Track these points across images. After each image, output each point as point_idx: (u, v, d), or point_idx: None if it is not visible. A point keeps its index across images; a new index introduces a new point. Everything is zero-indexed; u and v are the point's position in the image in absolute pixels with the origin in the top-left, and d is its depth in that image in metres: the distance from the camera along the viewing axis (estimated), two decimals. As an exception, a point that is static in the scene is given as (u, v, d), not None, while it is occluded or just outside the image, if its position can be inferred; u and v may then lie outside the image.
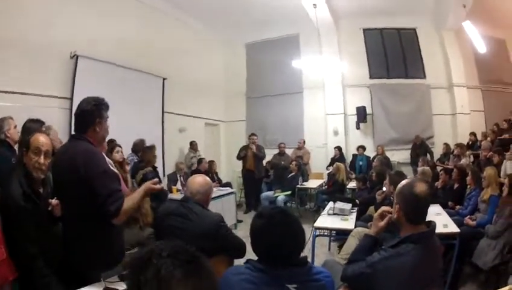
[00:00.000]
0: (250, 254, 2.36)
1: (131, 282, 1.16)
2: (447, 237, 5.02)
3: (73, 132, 3.23)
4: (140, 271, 1.14)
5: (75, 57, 8.42)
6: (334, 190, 10.37)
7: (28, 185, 2.95)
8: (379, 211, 3.02)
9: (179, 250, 1.20)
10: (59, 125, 6.00)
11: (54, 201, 3.10)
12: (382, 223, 2.92)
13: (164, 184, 8.83)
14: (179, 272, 1.12)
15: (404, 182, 2.81)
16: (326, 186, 11.55)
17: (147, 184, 3.03)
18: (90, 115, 2.97)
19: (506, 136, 10.73)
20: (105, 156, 3.12)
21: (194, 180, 3.71)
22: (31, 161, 2.98)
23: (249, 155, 11.46)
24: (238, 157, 11.66)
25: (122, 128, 7.54)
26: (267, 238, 2.16)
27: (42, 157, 3.01)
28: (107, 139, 3.47)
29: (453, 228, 5.22)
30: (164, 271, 1.11)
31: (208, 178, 3.86)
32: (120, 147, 6.33)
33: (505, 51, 14.24)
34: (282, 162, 12.09)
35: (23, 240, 2.81)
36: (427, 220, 2.74)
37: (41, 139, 3.06)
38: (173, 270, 1.12)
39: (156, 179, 3.13)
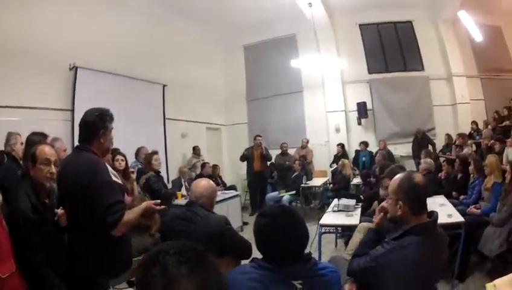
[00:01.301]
0: (257, 254, 2.37)
1: (141, 280, 1.18)
2: (452, 226, 5.03)
3: (76, 143, 3.25)
4: (149, 269, 1.16)
5: (74, 69, 8.54)
6: (340, 187, 10.54)
7: (36, 197, 2.98)
8: (380, 205, 3.05)
9: (185, 248, 1.23)
10: (61, 137, 5.83)
11: (60, 211, 3.10)
12: (376, 220, 3.02)
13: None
14: (184, 269, 1.14)
15: (398, 176, 2.81)
16: (331, 184, 11.60)
17: (148, 203, 3.05)
18: (94, 126, 3.03)
19: (507, 123, 10.88)
20: (109, 167, 3.15)
21: (198, 184, 3.74)
22: (42, 173, 3.02)
23: (256, 157, 11.48)
24: (242, 159, 11.70)
25: (125, 137, 7.53)
26: (271, 236, 2.18)
27: (53, 166, 3.06)
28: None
29: (457, 218, 5.25)
30: (170, 267, 1.14)
31: (211, 181, 3.89)
32: (122, 155, 6.31)
33: (501, 38, 14.27)
34: (287, 162, 12.16)
35: (32, 251, 2.82)
36: (429, 210, 2.75)
37: (47, 150, 3.10)
38: (179, 266, 1.14)
39: (158, 201, 3.12)
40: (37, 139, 4.47)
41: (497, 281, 2.48)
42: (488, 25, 13.51)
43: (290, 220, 2.20)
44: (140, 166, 7.99)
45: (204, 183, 3.76)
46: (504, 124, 11.04)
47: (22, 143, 4.95)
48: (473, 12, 12.12)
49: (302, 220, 2.29)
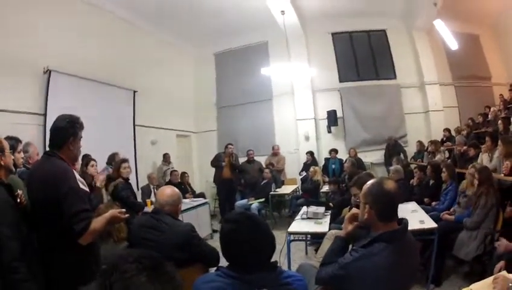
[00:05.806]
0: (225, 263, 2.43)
1: (100, 287, 1.24)
2: (425, 232, 5.37)
3: (47, 148, 3.37)
4: (108, 276, 1.23)
5: (47, 72, 8.71)
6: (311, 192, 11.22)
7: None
8: (350, 213, 3.20)
9: (144, 256, 1.31)
10: (33, 142, 6.17)
11: (19, 191, 3.09)
12: (349, 229, 3.10)
13: (138, 198, 9.05)
14: (142, 276, 1.23)
15: (370, 182, 2.91)
16: (301, 192, 12.19)
17: (113, 212, 3.17)
18: (64, 132, 3.13)
19: (482, 130, 11.28)
20: (77, 174, 3.19)
21: (163, 192, 3.96)
22: (10, 158, 3.14)
23: (226, 164, 12.02)
24: (213, 164, 12.13)
25: (96, 143, 7.83)
26: (234, 243, 2.28)
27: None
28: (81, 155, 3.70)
29: (430, 224, 5.56)
30: (128, 275, 1.22)
31: (176, 189, 4.08)
32: (95, 161, 6.70)
33: (478, 46, 15.08)
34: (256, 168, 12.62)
35: (7, 235, 2.67)
36: (400, 217, 2.87)
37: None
38: (137, 274, 1.23)
39: (123, 210, 3.29)
40: (10, 143, 4.21)
41: (474, 286, 2.82)
42: (466, 33, 14.26)
43: (253, 226, 2.31)
44: (110, 169, 8.27)
45: (168, 191, 3.97)
46: (478, 131, 11.45)
47: None
48: (450, 20, 12.74)
49: (267, 228, 2.40)
